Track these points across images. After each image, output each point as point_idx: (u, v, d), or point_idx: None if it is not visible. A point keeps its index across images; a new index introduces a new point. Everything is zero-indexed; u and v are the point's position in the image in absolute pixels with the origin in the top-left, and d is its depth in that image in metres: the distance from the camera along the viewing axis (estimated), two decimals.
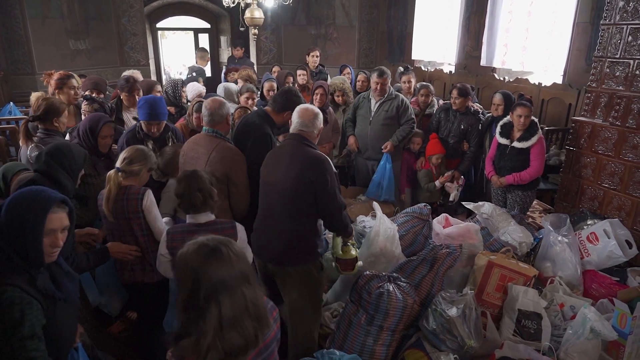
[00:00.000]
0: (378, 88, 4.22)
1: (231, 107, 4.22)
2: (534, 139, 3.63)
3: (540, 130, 3.69)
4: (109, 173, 2.46)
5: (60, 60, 7.23)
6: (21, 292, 1.49)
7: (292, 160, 2.44)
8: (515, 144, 3.69)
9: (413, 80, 5.05)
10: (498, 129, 3.84)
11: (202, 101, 3.57)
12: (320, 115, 2.59)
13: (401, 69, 5.38)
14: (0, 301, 1.45)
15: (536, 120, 3.74)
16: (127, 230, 2.50)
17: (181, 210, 2.37)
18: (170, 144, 3.28)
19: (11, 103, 6.10)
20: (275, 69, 6.61)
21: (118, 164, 2.48)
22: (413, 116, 4.31)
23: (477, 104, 4.78)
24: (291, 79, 5.37)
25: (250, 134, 2.93)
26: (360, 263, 2.74)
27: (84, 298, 2.71)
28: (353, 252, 2.67)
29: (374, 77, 4.24)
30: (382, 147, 4.26)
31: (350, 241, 2.72)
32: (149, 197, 2.47)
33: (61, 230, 1.63)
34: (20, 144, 3.01)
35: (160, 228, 2.51)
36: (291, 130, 2.58)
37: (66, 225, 1.65)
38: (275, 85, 4.85)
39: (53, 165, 2.26)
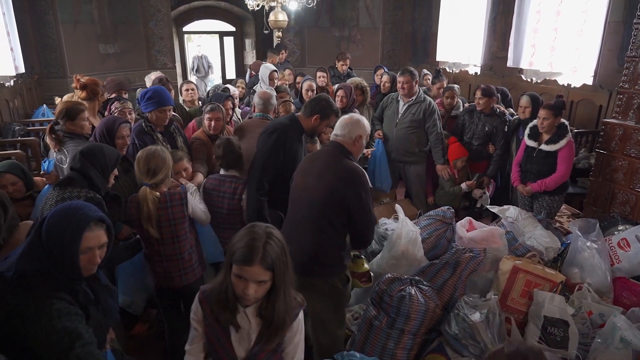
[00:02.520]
0: (402, 87, 4.18)
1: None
2: (562, 142, 3.53)
3: (570, 133, 3.58)
4: (141, 193, 2.43)
5: (91, 64, 7.45)
6: (68, 305, 1.52)
7: (325, 169, 2.37)
8: (543, 147, 3.60)
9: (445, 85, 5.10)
10: (527, 131, 3.76)
11: (214, 104, 3.58)
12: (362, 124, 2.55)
13: (425, 70, 5.38)
14: (51, 312, 1.47)
15: (566, 122, 3.63)
16: (169, 238, 2.51)
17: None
18: (178, 139, 3.33)
19: (44, 105, 6.32)
20: (287, 71, 6.46)
21: (143, 179, 2.45)
22: (438, 121, 4.24)
23: (511, 109, 4.70)
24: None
25: (267, 129, 2.93)
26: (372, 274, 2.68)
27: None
28: (366, 265, 2.60)
29: (397, 77, 4.22)
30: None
31: (356, 254, 2.64)
32: (189, 198, 2.58)
33: (99, 247, 1.63)
34: (51, 148, 3.06)
35: (203, 213, 2.72)
36: (332, 138, 2.53)
37: (104, 242, 1.65)
38: (314, 85, 4.85)
39: (86, 164, 2.33)
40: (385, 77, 5.36)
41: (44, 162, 2.86)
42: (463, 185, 4.29)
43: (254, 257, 1.48)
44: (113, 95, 3.90)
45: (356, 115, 2.58)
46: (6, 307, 1.47)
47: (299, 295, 1.73)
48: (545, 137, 3.61)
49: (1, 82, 5.67)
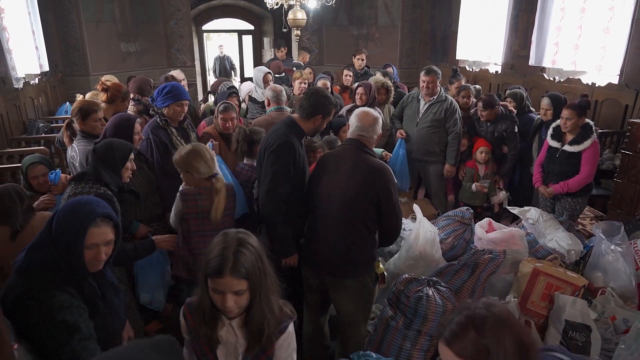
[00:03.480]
0: (426, 87, 4.13)
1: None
2: (586, 143, 3.43)
3: (594, 133, 3.48)
4: (219, 187, 2.59)
5: (112, 62, 7.58)
6: (70, 298, 1.53)
7: (354, 169, 2.34)
8: (567, 148, 3.52)
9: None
10: (550, 131, 3.68)
11: (228, 103, 3.57)
12: (380, 120, 2.49)
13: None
14: (51, 305, 1.48)
15: (591, 123, 3.54)
16: (209, 230, 2.59)
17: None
18: (191, 135, 3.36)
19: (67, 103, 6.46)
20: (307, 70, 6.42)
21: (211, 171, 2.61)
22: (459, 121, 4.19)
23: (533, 110, 4.60)
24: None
25: (270, 145, 2.56)
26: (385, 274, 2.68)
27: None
28: (382, 266, 2.61)
29: (421, 76, 4.17)
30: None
31: None
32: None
33: (105, 244, 1.62)
34: (66, 144, 3.14)
35: None
36: (349, 134, 2.47)
37: (110, 239, 1.65)
38: (329, 83, 4.75)
39: (95, 160, 2.38)
40: (378, 73, 5.32)
41: (51, 173, 2.90)
42: (473, 186, 4.23)
43: (224, 267, 1.42)
44: (132, 96, 3.95)
45: (375, 112, 2.53)
46: (13, 294, 1.50)
47: (288, 306, 1.63)
48: (569, 137, 3.52)
49: (26, 80, 5.81)
